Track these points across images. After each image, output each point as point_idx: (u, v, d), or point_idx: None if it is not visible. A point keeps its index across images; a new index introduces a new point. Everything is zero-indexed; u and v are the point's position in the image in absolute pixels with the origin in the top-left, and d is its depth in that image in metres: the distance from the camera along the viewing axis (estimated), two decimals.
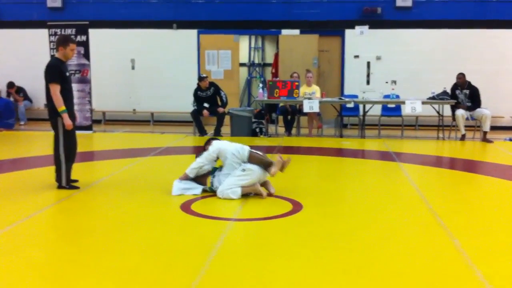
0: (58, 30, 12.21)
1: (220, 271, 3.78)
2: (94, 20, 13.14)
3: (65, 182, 6.28)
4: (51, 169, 6.50)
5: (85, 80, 12.26)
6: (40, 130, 12.26)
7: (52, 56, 6.27)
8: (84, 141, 10.98)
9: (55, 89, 6.07)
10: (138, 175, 7.32)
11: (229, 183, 5.84)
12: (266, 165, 5.91)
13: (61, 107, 6.08)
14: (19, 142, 10.84)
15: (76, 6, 14.19)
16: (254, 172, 5.86)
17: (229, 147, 6.09)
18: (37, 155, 8.65)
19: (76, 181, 6.50)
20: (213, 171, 6.15)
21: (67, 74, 6.28)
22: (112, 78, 14.19)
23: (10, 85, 13.80)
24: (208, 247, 4.25)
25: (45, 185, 6.44)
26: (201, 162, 6.15)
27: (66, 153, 6.26)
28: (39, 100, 13.67)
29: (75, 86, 12.15)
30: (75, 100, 12.11)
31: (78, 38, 12.15)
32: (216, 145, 6.15)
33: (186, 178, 6.18)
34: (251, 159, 5.91)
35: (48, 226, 5.03)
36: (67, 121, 6.12)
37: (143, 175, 7.32)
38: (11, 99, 13.67)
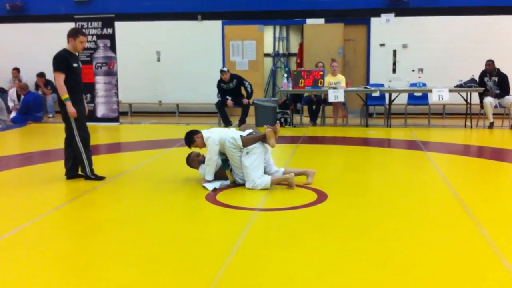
0: (85, 23, 12.37)
1: (245, 261, 3.80)
2: (120, 13, 13.25)
3: (90, 171, 6.34)
4: None
5: (111, 73, 12.40)
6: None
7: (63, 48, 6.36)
8: (111, 133, 11.14)
9: (59, 77, 6.14)
10: (164, 166, 7.39)
11: (251, 175, 5.74)
12: (261, 140, 5.87)
13: (64, 95, 6.13)
14: (47, 135, 11.01)
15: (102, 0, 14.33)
16: (256, 148, 5.81)
17: (223, 135, 5.89)
18: None
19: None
20: (226, 165, 6.03)
21: (75, 65, 6.29)
22: (138, 71, 14.32)
23: (41, 74, 13.99)
24: (233, 237, 4.27)
25: None
26: (213, 162, 5.88)
27: (83, 143, 6.30)
28: None
29: (101, 79, 12.37)
30: (102, 93, 12.38)
31: (105, 31, 12.31)
32: (212, 136, 5.87)
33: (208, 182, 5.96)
34: (246, 143, 5.78)
35: (76, 217, 5.10)
36: (71, 109, 6.15)
37: (169, 166, 7.39)
38: (40, 92, 13.91)
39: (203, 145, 6.02)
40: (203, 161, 6.11)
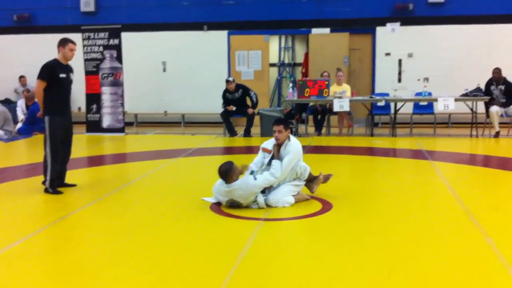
0: (92, 34, 12.46)
1: (250, 272, 3.79)
2: (126, 23, 13.33)
3: (49, 184, 6.23)
4: (83, 171, 6.63)
5: (117, 83, 12.46)
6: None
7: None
8: (117, 143, 11.18)
9: (39, 85, 6.21)
10: (170, 176, 7.41)
11: (283, 192, 5.54)
12: (309, 179, 5.85)
13: (40, 103, 6.29)
14: None
15: (108, 10, 14.42)
16: (303, 184, 5.81)
17: (298, 162, 5.65)
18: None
19: (73, 185, 6.55)
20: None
21: (63, 76, 6.29)
22: (144, 81, 14.37)
23: None
24: (237, 247, 4.27)
25: (78, 187, 6.57)
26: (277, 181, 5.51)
27: (53, 155, 6.25)
28: (74, 103, 13.93)
29: (108, 89, 12.43)
30: (108, 103, 12.44)
31: (111, 42, 12.39)
32: (298, 157, 5.62)
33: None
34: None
35: (83, 227, 5.12)
36: (41, 112, 6.37)
37: (174, 176, 7.41)
38: None
39: (282, 143, 5.62)
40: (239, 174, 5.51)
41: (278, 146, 5.68)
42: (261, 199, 5.44)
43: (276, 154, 5.65)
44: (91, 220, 5.28)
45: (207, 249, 4.29)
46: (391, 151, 9.79)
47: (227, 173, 5.39)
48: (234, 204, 5.44)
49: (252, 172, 5.51)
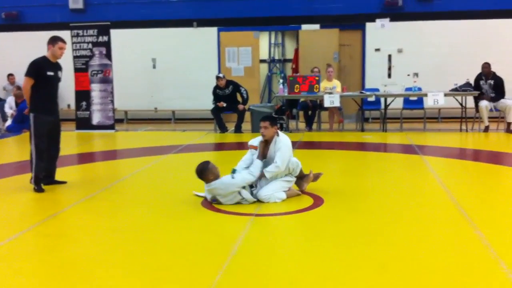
0: (80, 31, 12.39)
1: (242, 267, 3.78)
2: (115, 20, 13.27)
3: (33, 180, 6.20)
4: (73, 168, 6.59)
5: (107, 80, 12.40)
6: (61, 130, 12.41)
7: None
8: (107, 140, 11.12)
9: (27, 82, 6.20)
10: (160, 173, 7.39)
11: (275, 188, 5.54)
12: (300, 176, 5.88)
13: (27, 100, 6.30)
14: None
15: (97, 7, 14.35)
16: (294, 180, 5.82)
17: (291, 158, 5.71)
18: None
19: (63, 182, 6.52)
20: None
21: (50, 73, 6.25)
22: (134, 78, 14.32)
23: None
24: (229, 243, 4.26)
25: (68, 184, 6.54)
26: (275, 173, 5.56)
27: (37, 152, 6.21)
28: (63, 100, 13.86)
29: (97, 86, 12.38)
30: (98, 100, 12.39)
31: (100, 39, 12.33)
32: (289, 151, 5.64)
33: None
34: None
35: (74, 224, 5.08)
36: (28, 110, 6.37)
37: (165, 173, 7.38)
38: None
39: (270, 139, 5.63)
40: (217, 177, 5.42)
41: (266, 142, 5.68)
42: (246, 195, 5.43)
43: (262, 150, 5.66)
44: (82, 218, 5.24)
45: (199, 245, 4.27)
46: (381, 146, 9.82)
47: (203, 172, 5.39)
48: (215, 201, 5.45)
49: (234, 171, 5.51)
